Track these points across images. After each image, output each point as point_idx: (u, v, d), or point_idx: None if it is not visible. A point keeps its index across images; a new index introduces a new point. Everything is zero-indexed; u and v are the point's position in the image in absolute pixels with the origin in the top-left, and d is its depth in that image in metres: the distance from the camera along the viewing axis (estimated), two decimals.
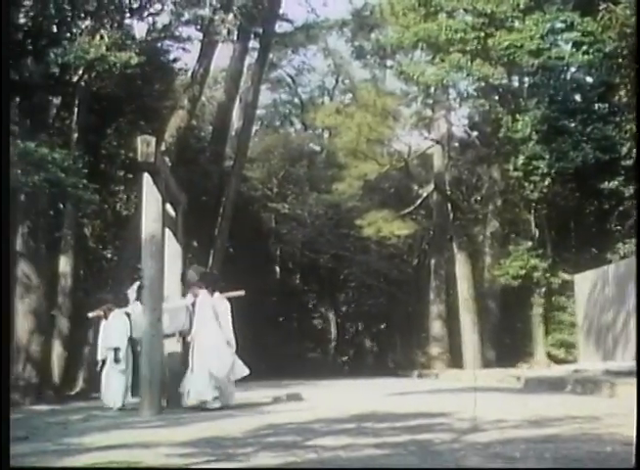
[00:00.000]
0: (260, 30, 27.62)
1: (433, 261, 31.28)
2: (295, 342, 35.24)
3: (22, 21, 18.91)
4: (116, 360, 13.13)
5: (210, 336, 12.90)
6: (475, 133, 28.82)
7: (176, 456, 7.33)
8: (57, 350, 20.21)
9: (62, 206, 21.69)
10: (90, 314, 14.06)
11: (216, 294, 13.71)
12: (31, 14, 18.70)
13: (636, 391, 8.11)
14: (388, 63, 32.65)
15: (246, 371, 13.29)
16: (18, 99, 19.49)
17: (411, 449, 6.90)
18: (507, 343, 27.00)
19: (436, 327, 30.15)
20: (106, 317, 14.13)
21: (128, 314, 13.49)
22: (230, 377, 13.02)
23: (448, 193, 29.87)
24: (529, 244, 24.67)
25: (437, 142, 30.09)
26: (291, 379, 21.93)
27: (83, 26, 19.43)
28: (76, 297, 21.61)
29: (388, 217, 29.62)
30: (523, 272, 23.86)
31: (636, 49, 17.22)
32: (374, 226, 29.32)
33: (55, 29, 19.00)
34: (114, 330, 13.25)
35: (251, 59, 30.13)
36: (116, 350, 13.13)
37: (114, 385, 13.36)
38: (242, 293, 14.43)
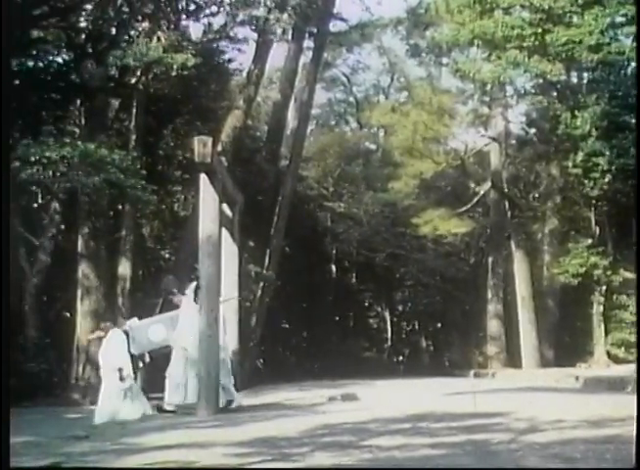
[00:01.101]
0: (315, 30, 27.59)
1: (490, 260, 30.97)
2: (350, 341, 35.15)
3: (82, 24, 19.23)
4: (121, 379, 13.24)
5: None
6: (532, 130, 28.41)
7: (232, 456, 7.37)
8: None
9: (121, 207, 21.96)
10: (90, 336, 14.14)
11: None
12: (91, 18, 19.00)
13: (636, 391, 7.97)
14: (444, 60, 32.37)
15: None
16: (78, 102, 19.84)
17: (468, 449, 6.85)
18: (566, 342, 26.60)
19: (494, 326, 29.83)
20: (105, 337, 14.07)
21: (126, 332, 13.55)
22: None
23: (506, 191, 29.53)
24: (589, 241, 24.27)
25: (494, 139, 29.77)
26: (346, 379, 21.85)
27: (141, 29, 19.65)
28: (135, 297, 21.87)
29: (445, 216, 29.38)
30: (582, 270, 23.50)
31: (636, 48, 16.99)
32: (430, 225, 29.12)
33: (114, 32, 19.27)
34: (115, 350, 13.33)
35: (305, 58, 30.12)
36: (120, 370, 13.23)
37: (113, 401, 13.35)
38: (235, 296, 14.43)
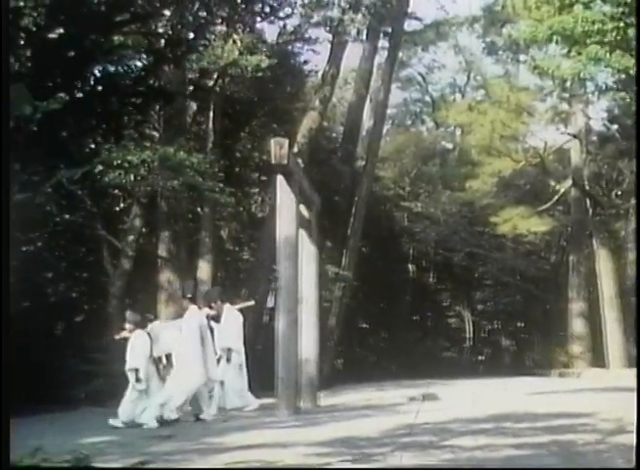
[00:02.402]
0: (389, 29, 27.51)
1: (571, 258, 30.44)
2: (429, 341, 34.99)
3: (161, 30, 19.54)
4: (137, 380, 13.30)
5: (189, 351, 12.65)
6: (614, 126, 27.83)
7: (313, 456, 7.36)
8: None
9: (199, 209, 22.24)
10: (116, 337, 14.22)
11: (226, 305, 13.70)
12: (170, 23, 19.30)
13: (636, 391, 7.69)
14: (521, 58, 31.93)
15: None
16: (158, 106, 20.16)
17: (553, 450, 6.71)
18: None
19: (577, 325, 29.32)
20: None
21: (149, 334, 13.56)
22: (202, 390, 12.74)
23: (587, 188, 28.96)
24: None
25: (575, 136, 29.24)
26: (425, 379, 21.72)
27: (217, 32, 19.87)
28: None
29: (525, 214, 29.00)
30: None
31: (636, 47, 16.38)
32: (509, 223, 28.78)
33: (191, 36, 19.54)
34: (135, 351, 13.39)
35: (380, 58, 30.07)
36: (137, 370, 13.26)
37: (130, 403, 13.42)
38: (252, 303, 14.33)
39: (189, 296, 13.04)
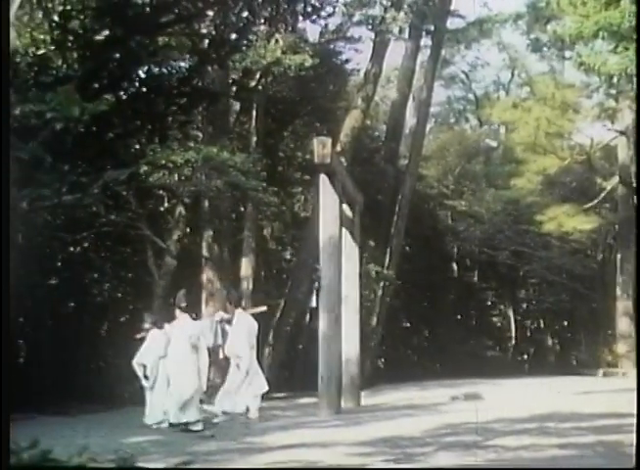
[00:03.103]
0: (432, 27, 27.35)
1: (619, 256, 30.00)
2: (472, 340, 34.72)
3: (204, 30, 19.67)
4: (145, 377, 13.39)
5: (179, 358, 12.63)
6: None
7: (355, 456, 7.37)
8: None
9: (243, 209, 22.35)
10: (136, 336, 14.29)
11: (238, 310, 13.63)
12: (214, 23, 19.42)
13: (636, 391, 7.53)
14: (567, 54, 31.52)
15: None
16: (200, 107, 20.29)
17: (598, 451, 6.65)
18: None
19: (624, 324, 28.89)
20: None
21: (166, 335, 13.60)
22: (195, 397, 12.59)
23: (634, 185, 28.54)
24: None
25: (622, 133, 28.82)
26: (468, 378, 21.59)
27: (259, 32, 19.95)
28: (257, 298, 22.21)
29: (571, 212, 28.67)
30: None
31: (636, 46, 16.04)
32: (555, 221, 28.47)
33: (235, 37, 19.64)
34: (147, 348, 13.46)
35: (423, 56, 29.93)
36: (144, 366, 13.33)
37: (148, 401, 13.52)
38: (264, 308, 14.26)
39: (182, 305, 13.12)
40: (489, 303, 38.39)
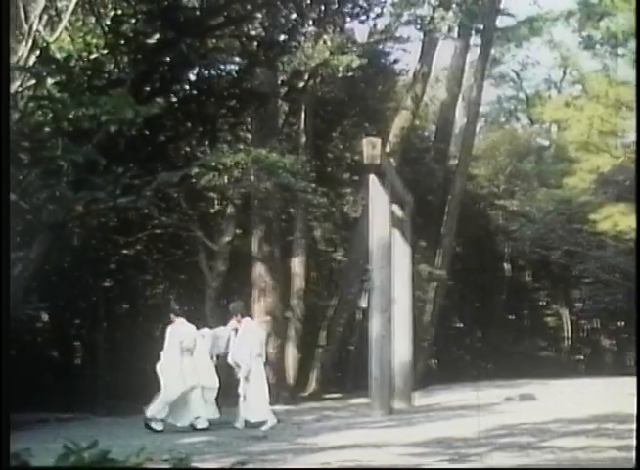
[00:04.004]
0: (481, 26, 27.15)
1: None
2: (526, 340, 34.43)
3: (253, 32, 19.77)
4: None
5: (168, 360, 13.00)
6: None
7: (408, 456, 7.34)
8: (291, 351, 20.84)
9: (292, 210, 22.40)
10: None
11: (245, 319, 13.68)
12: (263, 25, 19.51)
13: (636, 391, 7.30)
14: (620, 51, 31.09)
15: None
16: (250, 109, 20.38)
17: None
18: None
19: None
20: None
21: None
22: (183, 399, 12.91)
23: None
24: None
25: None
26: (522, 378, 21.37)
27: (307, 33, 19.98)
28: (308, 299, 22.26)
29: (625, 211, 28.17)
30: None
31: (636, 47, 15.61)
32: (609, 220, 28.02)
33: (283, 38, 19.71)
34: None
35: (472, 55, 29.74)
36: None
37: None
38: (268, 319, 14.19)
39: (176, 309, 13.52)
40: (542, 303, 37.98)
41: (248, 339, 13.27)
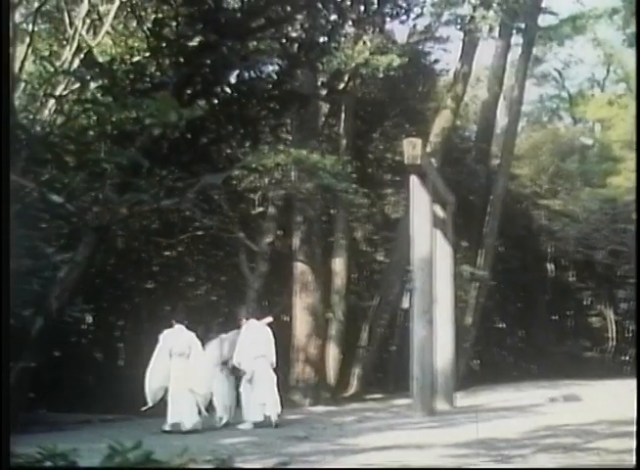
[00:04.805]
0: (523, 25, 26.93)
1: None
2: (569, 341, 34.07)
3: (294, 34, 19.84)
4: None
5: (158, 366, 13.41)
6: None
7: (450, 457, 7.31)
8: (332, 351, 20.85)
9: (334, 211, 22.41)
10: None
11: (250, 321, 13.75)
12: (304, 27, 19.56)
13: (636, 391, 7.12)
14: None
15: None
16: (290, 110, 20.44)
17: None
18: None
19: None
20: None
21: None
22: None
23: None
24: None
25: None
26: (566, 379, 21.16)
27: (347, 34, 20.00)
28: (349, 299, 22.25)
29: None
30: None
31: (636, 49, 15.23)
32: None
33: (323, 39, 19.74)
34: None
35: (514, 55, 29.52)
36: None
37: None
38: (270, 319, 14.22)
39: (179, 318, 14.03)
40: (586, 303, 37.56)
41: (249, 340, 13.37)
